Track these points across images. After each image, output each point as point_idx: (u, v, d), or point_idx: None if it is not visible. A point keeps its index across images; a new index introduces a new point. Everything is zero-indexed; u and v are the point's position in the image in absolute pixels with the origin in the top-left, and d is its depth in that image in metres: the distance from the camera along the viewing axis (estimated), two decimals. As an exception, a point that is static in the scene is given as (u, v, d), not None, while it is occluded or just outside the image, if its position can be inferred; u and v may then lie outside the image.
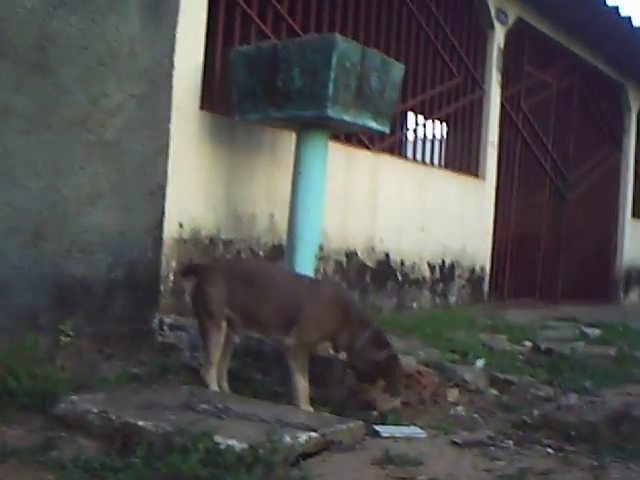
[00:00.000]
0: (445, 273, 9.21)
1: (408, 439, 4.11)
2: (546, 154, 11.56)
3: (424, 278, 8.82)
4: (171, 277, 5.93)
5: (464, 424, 4.51)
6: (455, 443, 4.08)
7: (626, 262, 13.76)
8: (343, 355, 4.57)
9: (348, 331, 4.45)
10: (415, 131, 9.87)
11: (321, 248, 6.93)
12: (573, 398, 4.72)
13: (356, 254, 7.80)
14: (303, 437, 3.58)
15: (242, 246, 6.56)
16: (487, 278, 9.98)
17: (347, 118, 5.57)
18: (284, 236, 6.30)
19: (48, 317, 4.89)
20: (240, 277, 4.64)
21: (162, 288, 5.84)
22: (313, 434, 3.63)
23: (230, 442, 3.35)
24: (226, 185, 6.37)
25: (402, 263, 8.47)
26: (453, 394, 4.88)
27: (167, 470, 3.16)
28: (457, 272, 9.40)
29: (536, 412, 4.59)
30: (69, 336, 4.89)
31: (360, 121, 5.71)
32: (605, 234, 13.41)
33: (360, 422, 4.00)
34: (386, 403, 4.43)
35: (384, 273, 8.20)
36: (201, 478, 3.11)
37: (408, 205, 8.53)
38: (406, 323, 6.85)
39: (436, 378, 4.93)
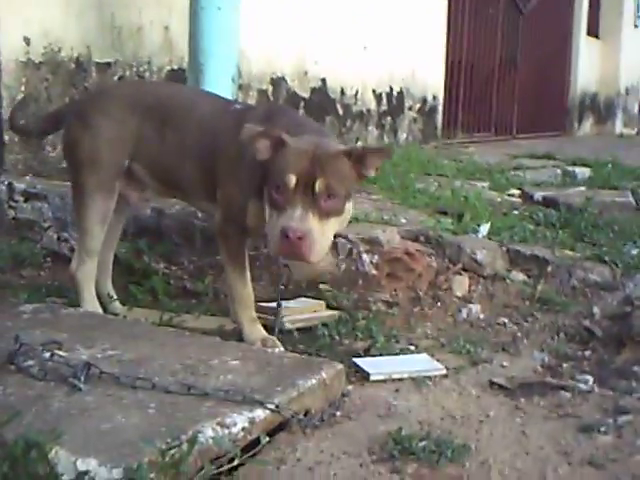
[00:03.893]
0: (393, 103, 7.35)
1: (416, 382, 2.39)
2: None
3: (369, 110, 6.95)
4: (20, 120, 3.94)
5: (491, 338, 2.82)
6: (497, 386, 2.38)
7: (580, 88, 12.10)
8: None
9: None
10: None
11: (239, 74, 5.01)
12: (643, 282, 3.07)
13: (285, 80, 5.86)
14: (238, 424, 1.80)
15: (126, 72, 4.56)
16: (441, 108, 8.17)
17: None
18: (186, 57, 4.32)
19: None
20: (154, 109, 2.75)
21: (7, 138, 3.91)
22: (259, 413, 1.86)
23: (84, 464, 1.55)
24: (95, -20, 4.31)
25: (343, 92, 6.57)
26: (461, 284, 3.15)
27: None
28: (407, 102, 7.55)
29: (598, 311, 2.93)
30: None
31: None
32: (558, 55, 11.62)
33: (339, 365, 2.23)
34: None
35: (321, 105, 6.29)
36: None
37: (348, 17, 6.53)
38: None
39: (433, 260, 3.18)
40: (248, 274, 2.64)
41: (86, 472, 1.52)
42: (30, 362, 2.00)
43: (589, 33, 12.35)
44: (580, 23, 11.91)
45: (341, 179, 2.31)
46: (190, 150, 2.68)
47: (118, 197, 2.80)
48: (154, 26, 4.70)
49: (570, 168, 6.70)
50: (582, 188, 5.58)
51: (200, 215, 3.33)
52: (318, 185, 2.25)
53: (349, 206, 2.39)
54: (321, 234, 2.27)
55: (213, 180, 2.62)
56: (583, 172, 6.56)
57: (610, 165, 6.90)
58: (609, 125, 13.28)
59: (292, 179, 2.26)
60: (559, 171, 6.59)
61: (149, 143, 2.74)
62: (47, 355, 2.03)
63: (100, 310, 2.81)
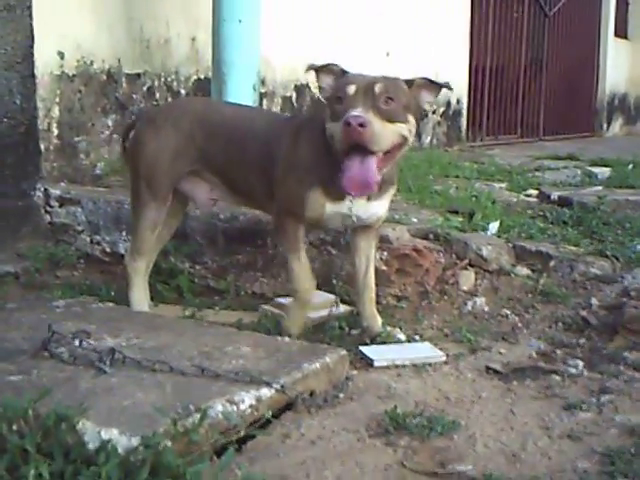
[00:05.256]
0: (417, 108, 7.52)
1: (417, 368, 2.58)
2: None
3: (393, 115, 7.14)
4: (55, 130, 4.20)
5: (492, 328, 2.99)
6: (493, 370, 2.56)
7: (608, 88, 12.16)
8: None
9: None
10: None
11: (263, 81, 5.23)
12: (642, 276, 3.22)
13: (309, 87, 6.07)
14: (246, 401, 2.00)
15: (154, 82, 4.80)
16: (465, 112, 8.33)
17: None
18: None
19: None
20: (220, 125, 2.98)
21: (43, 147, 4.14)
22: (265, 392, 2.06)
23: (107, 434, 1.76)
24: (125, -4, 4.55)
25: (366, 97, 6.76)
26: (468, 279, 3.33)
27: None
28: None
29: (595, 302, 3.09)
30: None
31: None
32: (586, 56, 11.69)
33: (342, 351, 2.43)
34: None
35: (344, 111, 6.48)
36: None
37: (370, 24, 6.73)
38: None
39: (441, 256, 3.37)
40: (306, 258, 2.81)
41: (109, 440, 1.72)
42: (62, 349, 2.22)
43: (617, 34, 12.41)
44: (608, 24, 11.97)
45: (400, 90, 2.55)
46: (253, 158, 2.90)
47: (174, 202, 3.02)
48: (181, 38, 4.93)
49: (591, 168, 6.80)
50: (599, 188, 5.69)
51: (222, 217, 3.55)
52: (377, 87, 2.49)
53: (412, 121, 2.57)
54: (381, 129, 2.45)
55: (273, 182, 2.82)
56: (603, 172, 6.62)
57: (632, 165, 6.99)
58: (639, 125, 13.32)
59: (352, 87, 2.51)
60: (579, 171, 6.68)
61: (216, 156, 2.94)
62: (77, 343, 2.25)
63: (145, 301, 3.05)
